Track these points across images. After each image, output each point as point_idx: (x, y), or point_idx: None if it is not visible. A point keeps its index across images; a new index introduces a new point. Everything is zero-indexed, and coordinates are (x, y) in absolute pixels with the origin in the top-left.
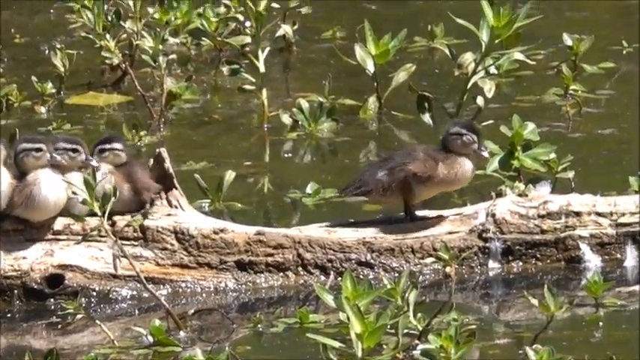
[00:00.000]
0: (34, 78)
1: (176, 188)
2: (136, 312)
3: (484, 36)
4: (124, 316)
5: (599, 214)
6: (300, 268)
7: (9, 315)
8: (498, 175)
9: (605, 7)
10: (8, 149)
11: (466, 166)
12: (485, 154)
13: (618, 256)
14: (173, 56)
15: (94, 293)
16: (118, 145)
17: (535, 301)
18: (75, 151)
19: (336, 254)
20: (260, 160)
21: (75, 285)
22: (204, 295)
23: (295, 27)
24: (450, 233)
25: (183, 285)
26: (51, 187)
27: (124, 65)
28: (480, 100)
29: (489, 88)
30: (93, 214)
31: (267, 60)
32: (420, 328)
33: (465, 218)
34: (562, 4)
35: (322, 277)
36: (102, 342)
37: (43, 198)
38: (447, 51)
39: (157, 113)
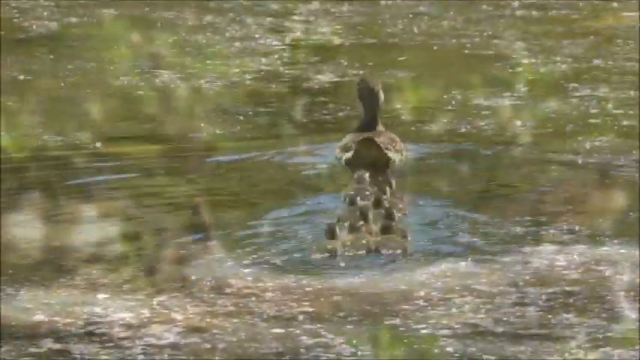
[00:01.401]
0: (69, 128)
1: (213, 238)
2: None
3: (520, 87)
4: None
5: (637, 265)
6: (336, 319)
7: None
8: None
9: None
10: None
11: None
12: None
13: None
14: (209, 104)
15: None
16: None
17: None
18: None
19: (373, 305)
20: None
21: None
22: (242, 345)
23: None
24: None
25: (221, 336)
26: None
27: (160, 114)
28: (515, 152)
29: (525, 138)
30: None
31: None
32: None
33: (502, 267)
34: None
35: (357, 328)
36: None
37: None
38: (482, 100)
39: (194, 162)
